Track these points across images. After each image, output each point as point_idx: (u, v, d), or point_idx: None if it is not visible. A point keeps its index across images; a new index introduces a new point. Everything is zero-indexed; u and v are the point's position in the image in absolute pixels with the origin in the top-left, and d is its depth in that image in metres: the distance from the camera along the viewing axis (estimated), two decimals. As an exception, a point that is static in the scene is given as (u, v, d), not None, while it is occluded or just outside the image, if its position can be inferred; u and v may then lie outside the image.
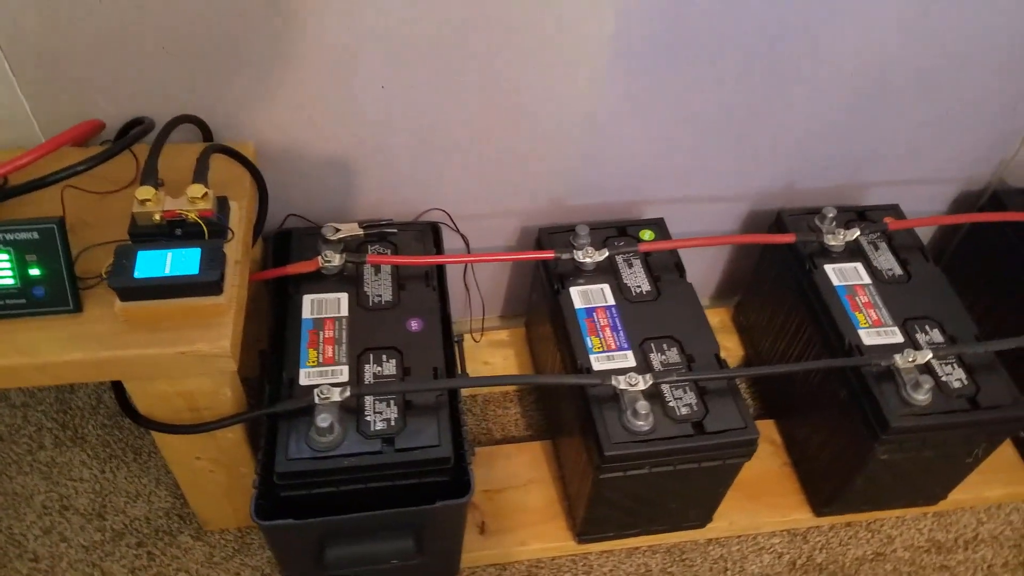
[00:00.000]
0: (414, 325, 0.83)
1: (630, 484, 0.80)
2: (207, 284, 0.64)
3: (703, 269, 1.18)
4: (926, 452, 0.84)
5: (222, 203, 0.72)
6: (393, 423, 0.74)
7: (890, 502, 0.95)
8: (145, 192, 0.67)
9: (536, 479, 0.97)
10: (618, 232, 0.97)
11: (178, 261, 0.65)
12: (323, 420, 0.71)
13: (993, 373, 0.83)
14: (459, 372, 0.85)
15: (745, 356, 1.14)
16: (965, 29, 0.90)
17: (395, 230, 0.90)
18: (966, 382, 0.83)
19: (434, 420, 0.75)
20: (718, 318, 1.19)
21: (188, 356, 0.64)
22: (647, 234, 0.97)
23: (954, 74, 0.94)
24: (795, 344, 0.98)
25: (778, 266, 1.00)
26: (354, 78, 0.82)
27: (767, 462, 1.00)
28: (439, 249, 0.93)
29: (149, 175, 0.69)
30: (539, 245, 0.96)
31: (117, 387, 0.73)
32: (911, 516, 1.00)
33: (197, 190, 0.68)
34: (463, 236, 1.01)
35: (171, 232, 0.68)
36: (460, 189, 0.97)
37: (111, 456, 0.99)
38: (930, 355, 0.82)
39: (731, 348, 1.14)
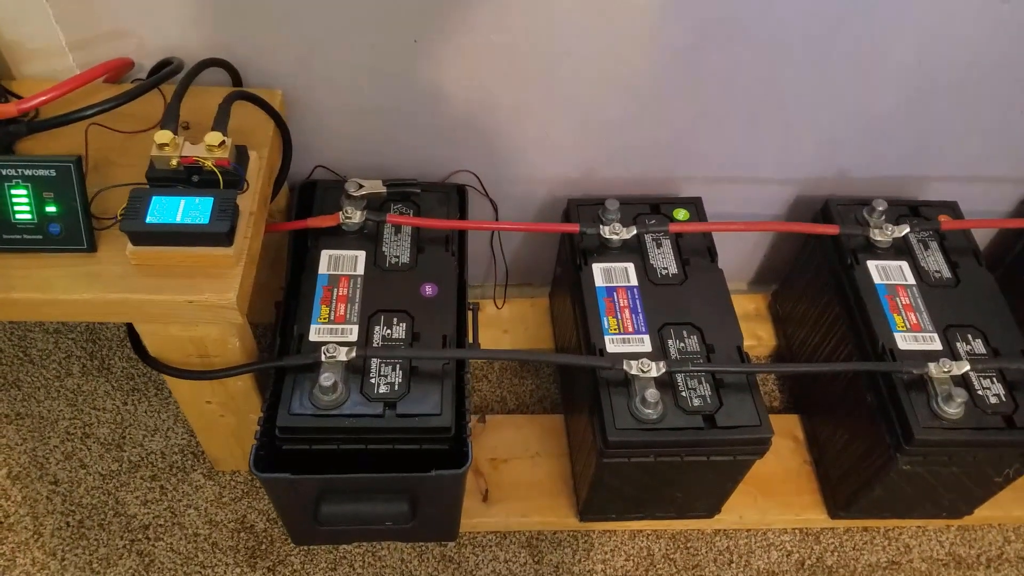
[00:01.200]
0: (428, 290, 0.81)
1: (634, 471, 0.79)
2: (216, 235, 0.64)
3: (744, 252, 1.13)
4: (952, 468, 0.79)
5: (241, 152, 0.71)
6: (397, 388, 0.73)
7: (910, 512, 0.91)
8: (163, 136, 0.67)
9: (545, 452, 0.96)
10: (651, 209, 0.93)
11: (190, 209, 0.65)
12: (327, 379, 0.71)
13: (1036, 392, 0.78)
14: (471, 342, 0.84)
15: (777, 347, 1.10)
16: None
17: (418, 190, 0.88)
18: (1004, 398, 0.77)
19: (438, 388, 0.74)
20: (754, 305, 1.14)
21: (195, 305, 0.65)
22: (681, 213, 0.93)
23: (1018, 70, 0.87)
24: (828, 340, 0.93)
25: (819, 257, 0.95)
26: (389, 32, 0.79)
27: (787, 458, 0.97)
28: (463, 213, 0.91)
29: (169, 119, 0.69)
30: (567, 217, 0.94)
31: (130, 327, 0.74)
32: (933, 527, 0.96)
33: (215, 138, 0.67)
34: (492, 201, 0.99)
35: (188, 178, 0.68)
36: (492, 152, 0.94)
37: (134, 389, 1.02)
38: (967, 367, 0.77)
39: (764, 337, 1.10)
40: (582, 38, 0.81)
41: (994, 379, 0.79)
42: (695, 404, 0.76)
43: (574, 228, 0.88)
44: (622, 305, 0.84)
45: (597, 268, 0.87)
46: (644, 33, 0.81)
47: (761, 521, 0.94)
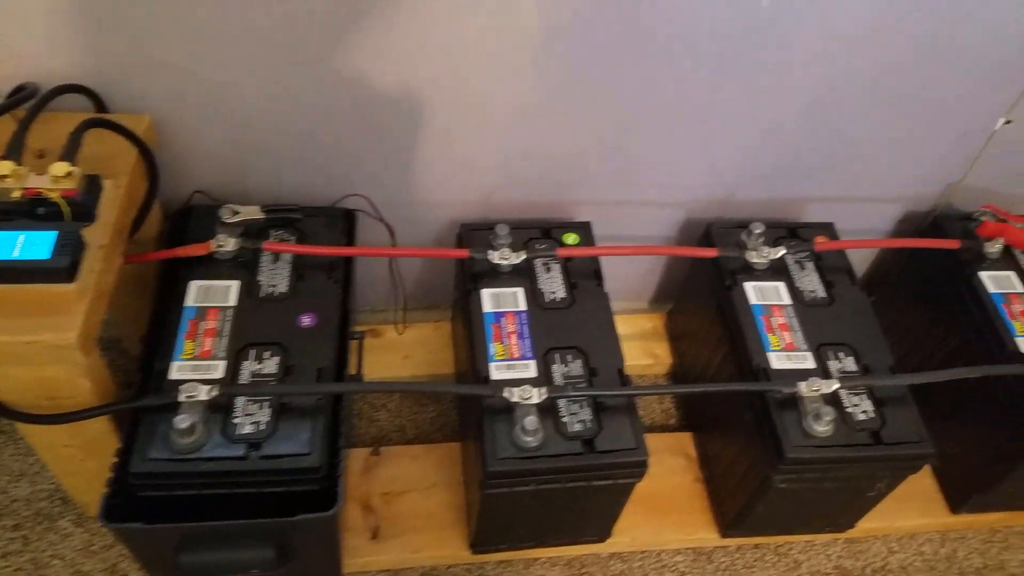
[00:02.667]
0: (306, 320, 0.79)
1: (518, 499, 0.77)
2: (57, 271, 0.60)
3: (640, 273, 1.14)
4: (827, 484, 0.81)
5: (92, 182, 0.67)
6: (263, 427, 0.70)
7: (796, 528, 0.93)
8: (4, 167, 0.63)
9: (442, 483, 0.94)
10: (542, 233, 0.93)
11: (31, 244, 0.61)
12: (182, 421, 0.67)
13: (902, 408, 0.81)
14: (354, 373, 0.82)
15: (673, 365, 1.11)
16: (920, 50, 0.86)
17: (299, 216, 0.86)
18: (872, 415, 0.80)
19: (309, 426, 0.71)
20: (652, 324, 1.15)
21: (34, 346, 0.60)
22: (571, 238, 0.93)
23: (902, 96, 0.91)
24: (714, 359, 0.95)
25: (703, 278, 0.97)
26: (270, 55, 0.77)
27: (679, 477, 0.98)
28: (351, 238, 0.89)
29: (13, 149, 0.65)
30: (459, 242, 0.93)
31: (-28, 369, 0.69)
32: (822, 541, 0.98)
33: (60, 168, 0.64)
34: (388, 225, 0.97)
35: (31, 211, 0.64)
36: (386, 175, 0.93)
37: (-1, 432, 0.96)
38: (837, 385, 0.79)
39: (660, 355, 1.12)
40: (473, 61, 0.81)
41: (863, 396, 0.81)
42: (575, 429, 0.76)
43: (463, 253, 0.87)
44: (510, 330, 0.83)
45: (486, 293, 0.86)
46: (533, 57, 0.81)
47: (654, 542, 0.94)
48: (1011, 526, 1.02)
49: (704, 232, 0.97)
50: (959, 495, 0.97)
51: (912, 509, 0.99)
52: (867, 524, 0.96)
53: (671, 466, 0.99)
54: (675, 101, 0.88)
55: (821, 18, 0.82)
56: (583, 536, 0.89)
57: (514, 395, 0.75)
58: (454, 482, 0.95)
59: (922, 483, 1.00)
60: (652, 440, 1.00)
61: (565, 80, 0.85)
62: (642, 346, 1.12)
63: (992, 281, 0.93)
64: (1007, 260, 0.96)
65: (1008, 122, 0.95)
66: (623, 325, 1.13)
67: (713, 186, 1.00)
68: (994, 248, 0.95)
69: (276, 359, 0.75)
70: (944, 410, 0.98)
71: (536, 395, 0.75)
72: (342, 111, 0.84)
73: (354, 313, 0.89)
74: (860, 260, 1.15)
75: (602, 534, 0.90)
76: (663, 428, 1.07)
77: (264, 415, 0.71)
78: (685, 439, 1.02)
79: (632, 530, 0.93)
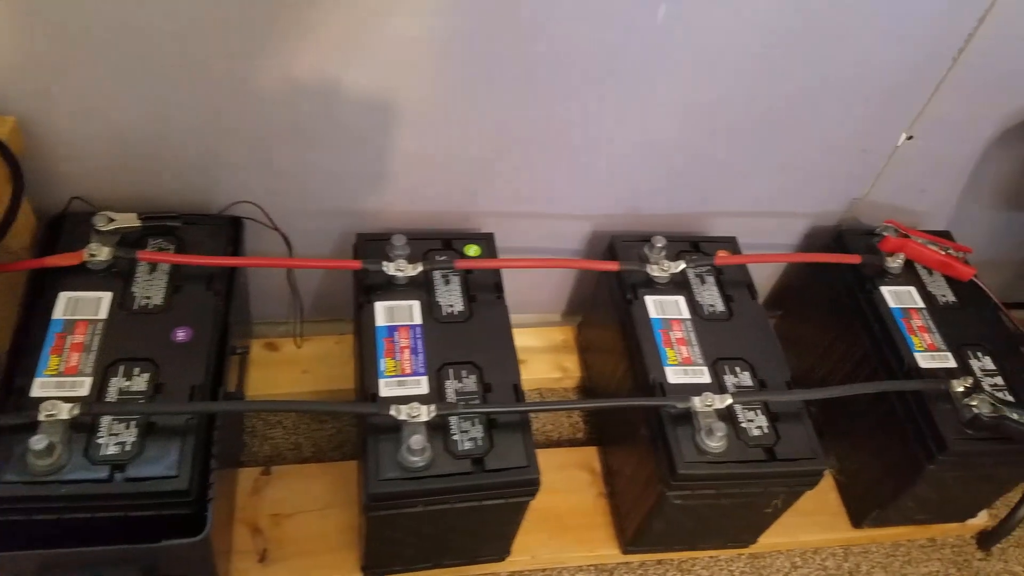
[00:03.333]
0: (181, 335, 0.75)
1: (406, 521, 0.75)
2: None
3: (552, 284, 1.13)
4: (723, 500, 0.81)
5: (-66, 187, 0.63)
6: (129, 448, 0.66)
7: (698, 543, 0.92)
8: None
9: (337, 503, 0.91)
10: (443, 245, 0.91)
11: None
12: (39, 441, 0.62)
13: (797, 423, 0.81)
14: (233, 390, 0.78)
15: (582, 377, 1.10)
16: (817, 69, 0.87)
17: (179, 223, 0.82)
18: (767, 431, 0.80)
19: (177, 447, 0.67)
20: (563, 336, 1.14)
21: None
22: (472, 249, 0.91)
23: (802, 113, 0.91)
24: (617, 373, 0.94)
25: (607, 292, 0.96)
26: (148, 55, 0.73)
27: (583, 492, 0.96)
28: (236, 248, 0.85)
29: None
30: (356, 253, 0.90)
31: None
32: (726, 557, 0.98)
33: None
34: (283, 234, 0.94)
35: None
36: (280, 183, 0.89)
37: None
38: (730, 400, 0.79)
39: (570, 368, 1.10)
40: (369, 68, 0.78)
41: (758, 411, 0.81)
42: (466, 448, 0.74)
43: (356, 265, 0.84)
44: (402, 345, 0.81)
45: (380, 306, 0.83)
46: (431, 65, 0.79)
47: (555, 560, 0.92)
48: (914, 540, 1.04)
49: (608, 245, 0.97)
50: (860, 510, 0.97)
51: (815, 524, 0.99)
52: (771, 539, 0.96)
53: (576, 481, 0.97)
54: (573, 115, 0.87)
55: (714, 39, 0.82)
56: (480, 555, 0.87)
57: (401, 413, 0.73)
58: (350, 502, 0.91)
59: (826, 498, 1.01)
60: (558, 455, 1.01)
61: (462, 90, 0.83)
62: (552, 359, 1.10)
63: (893, 296, 0.94)
64: (908, 275, 0.97)
65: (910, 138, 0.97)
66: (535, 338, 1.14)
67: (618, 199, 1.00)
68: (895, 263, 0.96)
69: (146, 376, 0.71)
70: (845, 425, 0.99)
71: (425, 413, 0.73)
72: (230, 115, 0.80)
73: (239, 327, 0.86)
74: (768, 275, 1.16)
75: (501, 553, 0.88)
76: (571, 442, 1.05)
77: (130, 435, 0.67)
78: (591, 453, 1.00)
79: (533, 548, 0.91)
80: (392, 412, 0.72)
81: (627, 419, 0.90)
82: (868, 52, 0.86)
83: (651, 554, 0.94)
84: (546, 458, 0.98)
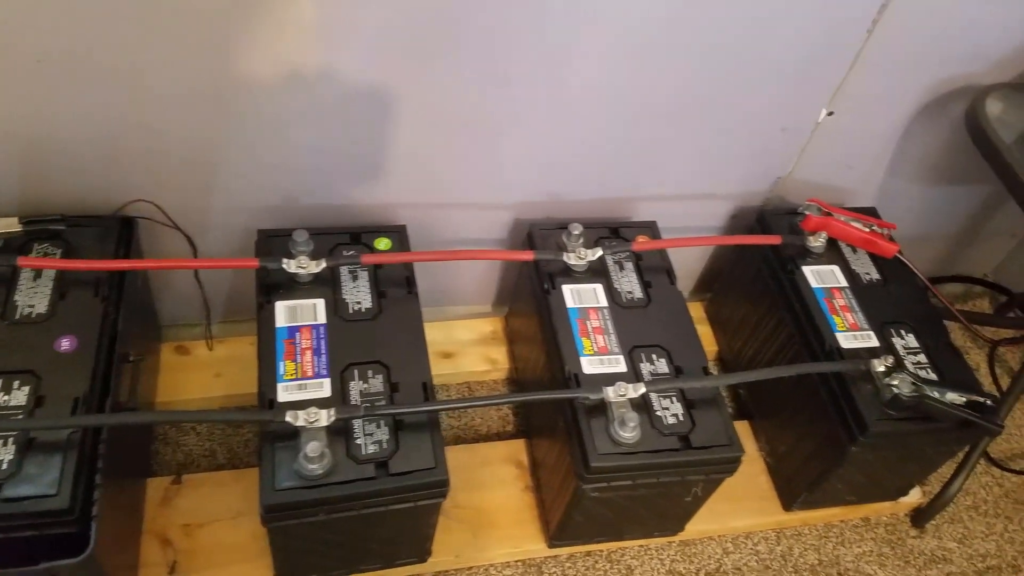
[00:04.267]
0: (65, 344, 0.71)
1: (309, 530, 0.72)
2: None
3: (479, 275, 1.10)
4: (641, 490, 0.79)
5: None
6: (5, 466, 0.62)
7: (622, 533, 0.91)
8: None
9: (249, 511, 0.87)
10: (351, 239, 0.87)
11: None
12: None
13: (713, 410, 0.79)
14: (124, 400, 0.74)
15: (510, 370, 1.08)
16: (729, 46, 0.84)
17: (64, 226, 0.78)
18: (682, 418, 0.78)
19: (58, 463, 0.63)
20: (492, 328, 1.11)
21: None
22: (383, 243, 0.88)
23: (718, 92, 0.89)
24: (539, 364, 0.91)
25: (527, 281, 0.93)
26: (16, 38, 0.67)
27: (509, 487, 0.94)
28: (129, 249, 0.81)
29: None
30: (258, 250, 0.86)
31: None
32: (656, 545, 0.96)
33: None
34: (186, 234, 0.90)
35: None
36: (178, 179, 0.85)
37: None
38: (643, 389, 0.77)
39: (499, 360, 1.07)
40: (263, 58, 0.74)
41: (674, 399, 0.79)
42: (370, 452, 0.71)
43: (253, 263, 0.81)
44: (304, 347, 0.77)
45: (281, 306, 0.80)
46: (333, 51, 0.75)
47: (480, 557, 0.90)
48: (847, 520, 1.03)
49: (527, 234, 0.94)
50: (790, 493, 0.96)
51: (747, 509, 0.98)
52: (701, 525, 0.95)
53: (502, 476, 0.95)
54: (487, 99, 0.84)
55: (627, 20, 0.79)
56: (399, 558, 0.84)
57: (299, 419, 0.69)
58: (267, 508, 0.88)
59: (757, 481, 1.00)
60: (485, 449, 0.98)
61: (368, 76, 0.79)
62: (481, 352, 1.08)
63: (815, 275, 0.93)
64: (832, 254, 0.96)
65: (831, 114, 0.95)
66: (465, 330, 1.11)
67: (539, 186, 0.97)
68: (818, 242, 0.95)
69: (26, 389, 0.67)
70: (774, 408, 0.99)
71: (324, 417, 0.70)
72: (122, 110, 0.76)
73: (136, 332, 0.81)
74: (698, 257, 1.15)
75: (421, 554, 0.85)
76: (499, 436, 1.03)
77: (7, 453, 0.63)
78: (519, 447, 0.98)
79: (457, 546, 0.88)
80: (289, 418, 0.69)
81: (547, 412, 0.87)
82: (781, 28, 0.84)
83: (578, 546, 0.92)
84: (472, 454, 0.97)
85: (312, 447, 0.68)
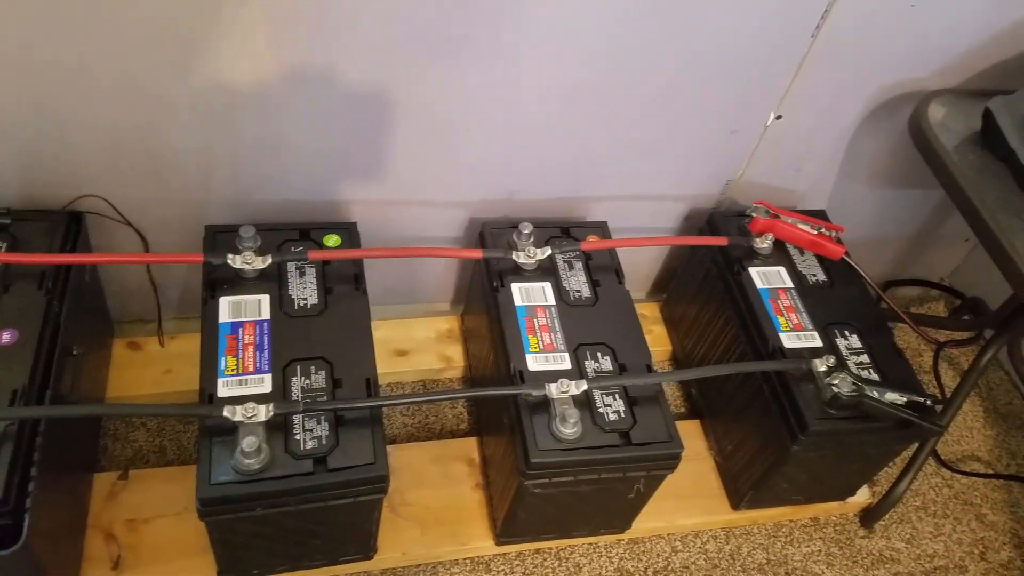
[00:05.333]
0: (6, 337, 0.71)
1: (248, 525, 0.72)
2: None
3: (439, 273, 1.10)
4: (583, 487, 0.80)
5: None
6: (-69, 459, 0.63)
7: (569, 531, 0.91)
8: None
9: (194, 508, 0.87)
10: (300, 236, 0.88)
11: None
12: None
13: (654, 407, 0.80)
14: (66, 394, 0.74)
15: (465, 367, 1.08)
16: (679, 49, 0.85)
17: (9, 220, 0.77)
18: (624, 415, 0.79)
19: (-12, 456, 0.64)
20: (449, 326, 1.12)
21: None
22: (332, 239, 0.88)
23: (669, 94, 0.90)
24: (489, 362, 0.92)
25: (479, 280, 0.94)
26: None
27: (459, 484, 0.94)
28: (76, 243, 0.81)
29: None
30: (205, 246, 0.86)
31: None
32: (605, 543, 0.97)
33: None
34: (136, 229, 0.90)
35: None
36: (129, 174, 0.85)
37: None
38: (585, 386, 0.77)
39: (454, 359, 1.08)
40: (208, 53, 0.74)
41: (616, 396, 0.80)
42: (308, 447, 0.71)
43: (197, 259, 0.81)
44: (247, 342, 0.77)
45: (225, 302, 0.80)
46: (285, 44, 0.75)
47: (428, 555, 0.90)
48: (796, 519, 1.04)
49: (480, 233, 0.95)
50: (737, 492, 0.97)
51: (696, 507, 0.99)
52: (650, 523, 0.96)
53: (453, 473, 0.95)
54: (441, 97, 0.84)
55: (578, 19, 0.80)
56: (344, 555, 0.84)
57: (237, 414, 0.70)
58: (214, 504, 0.88)
59: (706, 480, 1.01)
60: (436, 447, 0.99)
61: (319, 71, 0.79)
62: (437, 349, 1.08)
63: (760, 277, 0.94)
64: (779, 255, 0.97)
65: (779, 117, 0.96)
66: (422, 328, 1.11)
67: (493, 185, 0.97)
68: (764, 244, 0.96)
69: (-39, 382, 0.67)
70: (721, 406, 1.00)
71: (263, 412, 0.70)
72: (69, 105, 0.76)
73: (82, 327, 0.81)
74: (653, 258, 1.16)
75: (366, 551, 0.85)
76: (453, 434, 1.03)
77: (-62, 447, 0.63)
78: (471, 444, 0.98)
79: (405, 544, 0.89)
80: (227, 413, 0.69)
81: (497, 409, 0.88)
82: (728, 32, 0.85)
83: (526, 544, 0.93)
84: (424, 451, 0.98)
85: (248, 442, 0.68)
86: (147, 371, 0.97)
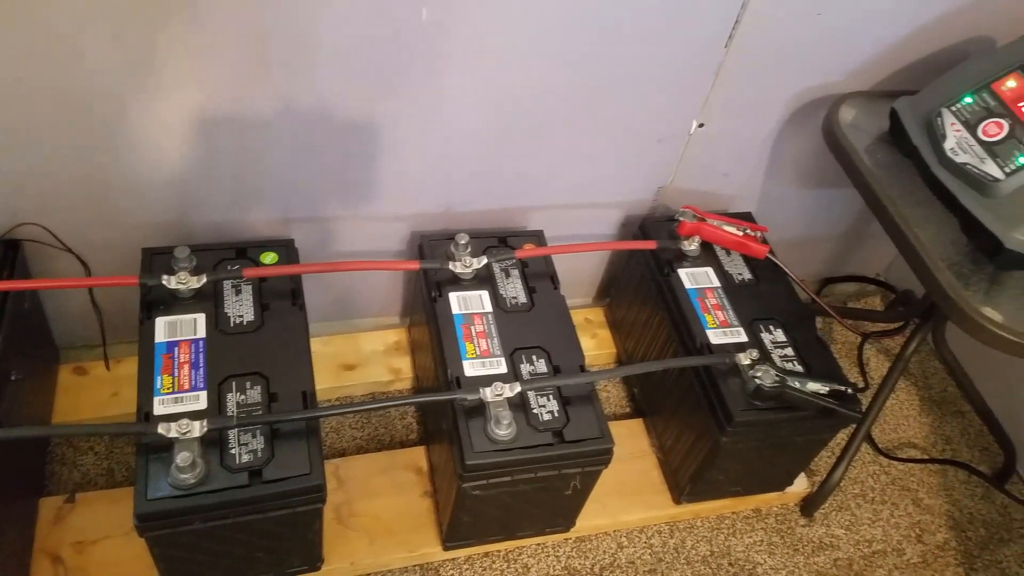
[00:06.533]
0: (-63, 365, 0.72)
1: (188, 539, 0.73)
2: None
3: (384, 287, 1.12)
4: (520, 486, 0.82)
5: None
6: None
7: (513, 532, 0.93)
8: None
9: (143, 526, 0.89)
10: (237, 254, 0.89)
11: None
12: None
13: (588, 406, 0.83)
14: (3, 418, 0.75)
15: (413, 378, 1.10)
16: (603, 61, 0.89)
17: (-61, 251, 0.79)
18: (558, 414, 0.82)
19: (-80, 481, 0.65)
20: (397, 338, 1.14)
21: None
22: (269, 257, 0.90)
23: (598, 104, 0.94)
24: (431, 371, 0.94)
25: (419, 290, 0.96)
26: None
27: (407, 493, 0.96)
28: (13, 271, 0.82)
29: None
30: (143, 268, 0.87)
31: None
32: (552, 542, 0.99)
33: None
34: (76, 254, 0.91)
35: None
36: (65, 200, 0.86)
37: None
38: (519, 388, 0.80)
39: (403, 370, 1.10)
40: (139, 72, 0.76)
41: (551, 396, 0.83)
42: (244, 460, 0.73)
43: (132, 281, 0.82)
44: (182, 360, 0.79)
45: (161, 322, 0.82)
46: (219, 63, 0.77)
47: (376, 563, 0.92)
48: (739, 511, 1.07)
49: (419, 245, 0.97)
50: (677, 486, 1.00)
51: (640, 503, 1.02)
52: (595, 521, 0.99)
53: (401, 482, 0.97)
54: (377, 113, 0.87)
55: (500, 34, 0.83)
56: (289, 567, 0.85)
57: (171, 430, 0.71)
58: (160, 524, 0.89)
59: (649, 476, 1.04)
60: (384, 458, 1.01)
61: (251, 93, 0.82)
62: (386, 362, 1.10)
63: (689, 277, 0.98)
64: (707, 257, 1.01)
65: (701, 125, 1.00)
66: (373, 341, 1.13)
67: (430, 200, 1.00)
68: (692, 246, 1.00)
69: None
70: (660, 403, 1.03)
71: (197, 428, 0.72)
72: (5, 128, 0.77)
73: (22, 353, 0.82)
74: (596, 265, 1.19)
75: (312, 561, 0.87)
76: (403, 444, 1.05)
77: None
78: (419, 453, 1.00)
79: (353, 553, 0.90)
80: (161, 430, 0.71)
81: (439, 416, 0.90)
82: (649, 44, 0.89)
83: (474, 547, 0.95)
84: (372, 462, 1.00)
85: (182, 457, 0.69)
86: (93, 395, 0.98)
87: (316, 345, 1.07)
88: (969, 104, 0.86)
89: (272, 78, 0.81)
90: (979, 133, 0.84)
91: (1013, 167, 0.81)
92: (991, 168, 0.82)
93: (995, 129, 0.84)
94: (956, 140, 0.85)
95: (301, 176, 0.92)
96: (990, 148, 0.83)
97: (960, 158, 0.84)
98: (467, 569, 0.95)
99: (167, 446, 0.72)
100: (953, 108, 0.86)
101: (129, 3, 0.71)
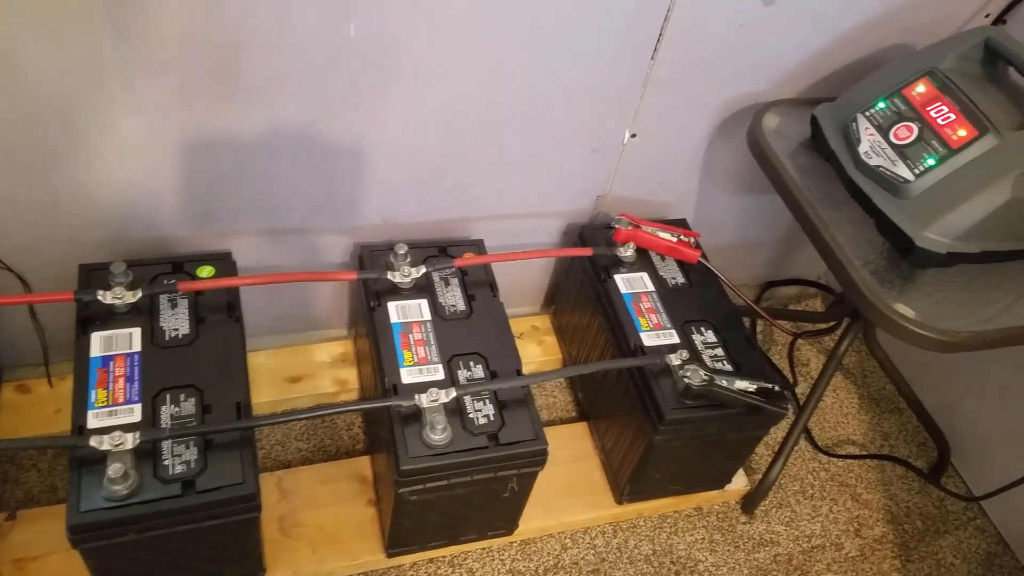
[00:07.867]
0: None
1: (123, 550, 0.73)
2: None
3: (328, 299, 1.13)
4: (457, 490, 0.83)
5: None
6: None
7: (455, 536, 0.95)
8: None
9: (85, 541, 0.89)
10: (173, 269, 0.90)
11: None
12: None
13: (524, 409, 0.85)
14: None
15: (359, 389, 1.11)
16: (536, 72, 0.91)
17: None
18: (493, 418, 0.83)
19: None
20: (343, 349, 1.15)
21: None
22: (206, 271, 0.91)
23: (533, 115, 0.96)
24: (371, 380, 0.95)
25: (358, 301, 0.98)
26: None
27: (351, 502, 0.97)
28: (-55, 291, 0.83)
29: None
30: (80, 284, 0.88)
31: None
32: (497, 546, 1.01)
33: None
34: (16, 273, 0.92)
35: None
36: (2, 218, 0.86)
37: None
38: (455, 393, 0.82)
39: (349, 381, 1.11)
40: (62, 82, 0.76)
41: (487, 401, 0.85)
42: (177, 471, 0.73)
43: (68, 296, 0.83)
44: (117, 374, 0.80)
45: (96, 337, 0.82)
46: (157, 86, 0.79)
47: (319, 572, 0.92)
48: (680, 510, 1.10)
49: (359, 255, 0.99)
50: (617, 486, 1.02)
51: (582, 504, 1.04)
52: (538, 523, 1.00)
53: (344, 492, 0.98)
54: (312, 132, 0.89)
55: (434, 46, 0.85)
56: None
57: (104, 443, 0.72)
58: (102, 539, 0.89)
59: (592, 478, 1.06)
60: (330, 468, 1.01)
61: (191, 107, 0.82)
62: (332, 374, 1.11)
63: (625, 282, 1.01)
64: (642, 262, 1.04)
65: (634, 135, 1.04)
66: (319, 353, 1.14)
67: (370, 212, 1.02)
68: (627, 252, 1.02)
69: None
70: (601, 407, 1.05)
71: (129, 440, 0.72)
72: None
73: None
74: (541, 273, 1.22)
75: (253, 571, 0.87)
76: (349, 454, 1.06)
77: None
78: (364, 463, 1.01)
79: (295, 563, 0.91)
80: (94, 443, 0.71)
81: (378, 424, 0.91)
82: (579, 56, 0.92)
83: (418, 554, 0.96)
84: (316, 473, 1.00)
85: (114, 468, 0.70)
86: (37, 413, 0.98)
87: (262, 358, 1.10)
88: (882, 109, 0.90)
89: (212, 96, 0.82)
90: (891, 137, 0.88)
91: (922, 168, 0.85)
92: (902, 170, 0.86)
93: (905, 132, 0.88)
94: (870, 144, 0.89)
95: (242, 191, 0.93)
96: (901, 151, 0.87)
97: (873, 161, 0.88)
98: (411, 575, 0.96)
99: (100, 459, 0.72)
100: (867, 113, 0.90)
101: (68, 20, 0.72)
